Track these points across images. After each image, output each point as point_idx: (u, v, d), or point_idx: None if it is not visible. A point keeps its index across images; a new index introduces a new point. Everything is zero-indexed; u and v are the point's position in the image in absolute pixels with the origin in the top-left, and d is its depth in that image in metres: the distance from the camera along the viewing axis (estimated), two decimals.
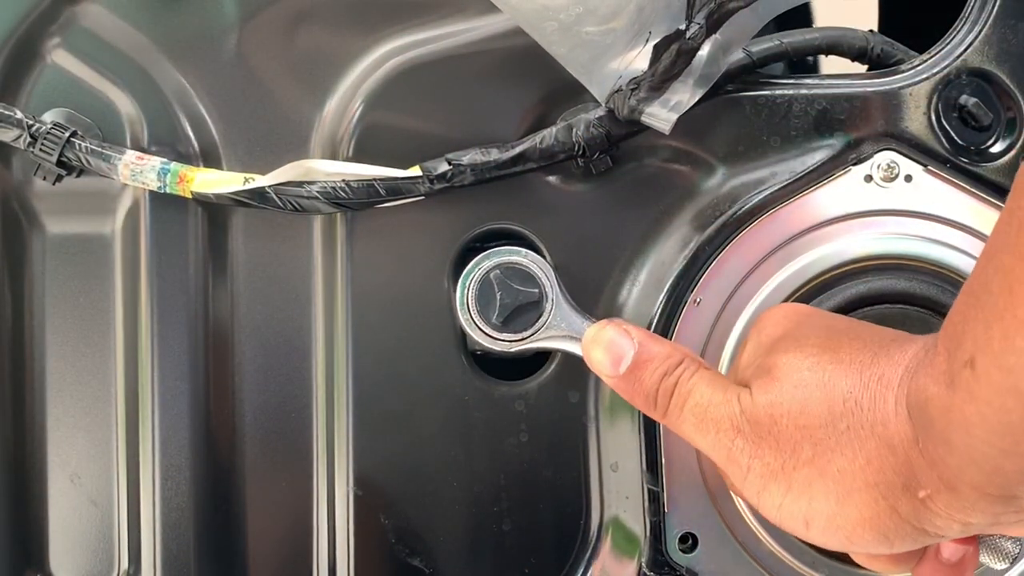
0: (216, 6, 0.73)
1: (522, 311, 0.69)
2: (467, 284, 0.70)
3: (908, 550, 0.56)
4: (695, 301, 0.72)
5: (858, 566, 0.72)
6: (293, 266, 0.74)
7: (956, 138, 0.72)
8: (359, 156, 0.72)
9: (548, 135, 0.70)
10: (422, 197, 0.70)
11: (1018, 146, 0.72)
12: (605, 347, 0.63)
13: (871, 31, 0.76)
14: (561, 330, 0.69)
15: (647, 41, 0.67)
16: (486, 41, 0.72)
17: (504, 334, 0.69)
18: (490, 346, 0.70)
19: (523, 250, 0.70)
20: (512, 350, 0.69)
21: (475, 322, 0.69)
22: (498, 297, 0.69)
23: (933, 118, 0.72)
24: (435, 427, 0.74)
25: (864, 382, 0.54)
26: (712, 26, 0.65)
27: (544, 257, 0.72)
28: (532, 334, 0.69)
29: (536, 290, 0.69)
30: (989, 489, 0.49)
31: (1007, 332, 0.46)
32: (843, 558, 0.72)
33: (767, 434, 0.57)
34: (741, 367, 0.62)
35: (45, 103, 0.73)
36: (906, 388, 0.53)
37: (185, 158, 0.73)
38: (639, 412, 0.73)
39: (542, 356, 0.74)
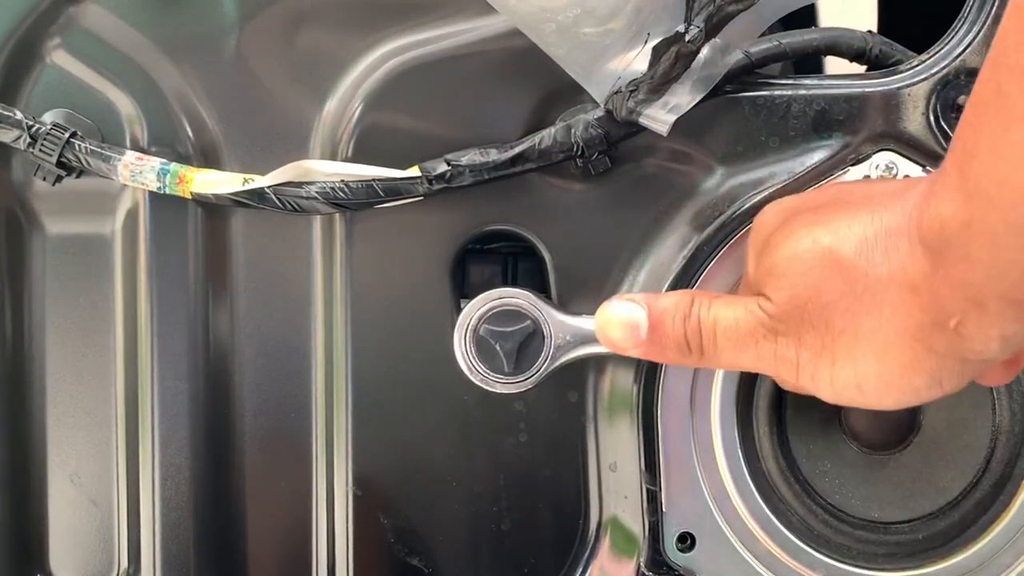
0: (216, 6, 0.73)
1: (527, 344, 0.69)
2: (464, 350, 0.69)
3: (960, 386, 0.56)
4: None
5: (856, 565, 0.72)
6: (292, 266, 0.74)
7: None
8: (358, 156, 0.72)
9: (547, 136, 0.70)
10: (421, 198, 0.70)
11: None
12: (619, 325, 0.64)
13: (870, 31, 0.75)
14: (570, 342, 0.69)
15: (646, 42, 0.67)
16: (486, 41, 0.72)
17: (522, 376, 0.69)
18: (518, 391, 0.70)
19: (496, 290, 0.70)
20: (539, 383, 0.70)
21: (492, 379, 0.69)
22: (498, 348, 0.69)
23: (932, 118, 0.72)
24: (434, 427, 0.75)
25: (870, 240, 0.55)
26: (711, 30, 0.65)
27: (543, 257, 0.72)
28: (547, 361, 0.69)
29: (528, 320, 0.69)
30: (1017, 294, 0.49)
31: None
32: (842, 557, 0.72)
33: (800, 323, 0.57)
34: (750, 280, 0.63)
35: (45, 103, 0.73)
36: (917, 225, 0.53)
37: (185, 158, 0.73)
38: (638, 412, 0.73)
39: None
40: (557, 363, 0.69)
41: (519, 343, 0.69)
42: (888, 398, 0.56)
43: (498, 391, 0.70)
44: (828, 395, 0.58)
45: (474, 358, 0.69)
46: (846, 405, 0.58)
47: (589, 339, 0.69)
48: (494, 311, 0.69)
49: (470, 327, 0.69)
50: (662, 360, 0.65)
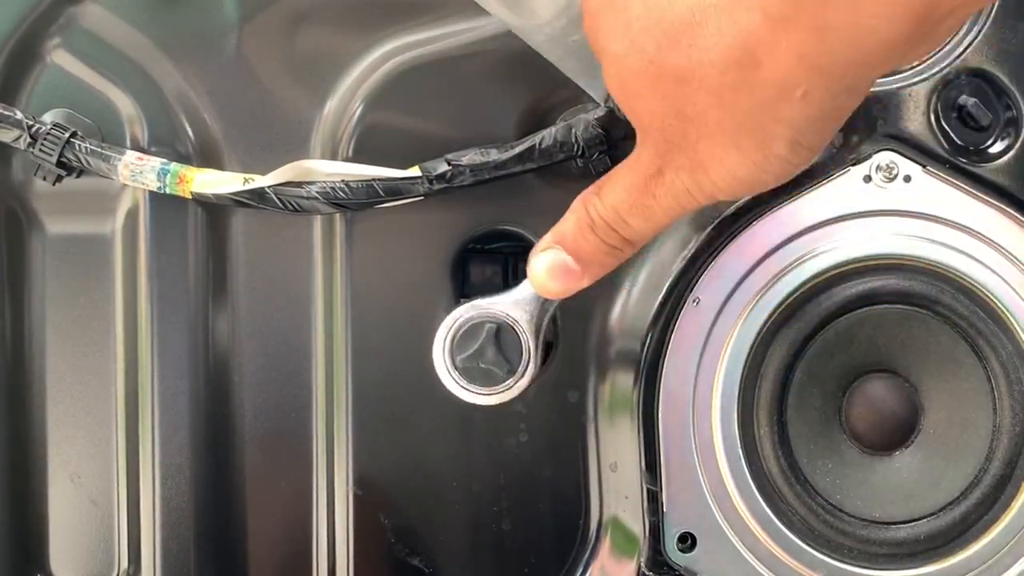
0: (216, 6, 0.73)
1: (502, 342, 0.68)
2: (461, 389, 0.68)
3: (832, 136, 0.53)
4: (694, 301, 0.72)
5: (857, 564, 0.72)
6: (293, 266, 0.74)
7: (955, 138, 0.72)
8: (359, 156, 0.72)
9: (547, 135, 0.70)
10: (421, 197, 0.70)
11: (1017, 146, 0.72)
12: (550, 275, 0.63)
13: None
14: (535, 312, 0.68)
15: None
16: (486, 41, 0.72)
17: (522, 367, 0.68)
18: (533, 379, 0.69)
19: (440, 326, 0.68)
20: (541, 363, 0.69)
21: (507, 389, 0.68)
22: (483, 366, 0.68)
23: (932, 118, 0.72)
24: (435, 427, 0.75)
25: (698, 19, 0.50)
26: None
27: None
28: (532, 339, 0.68)
29: (487, 324, 0.68)
30: (866, 57, 0.47)
31: None
32: (843, 557, 0.72)
33: (668, 150, 0.55)
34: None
35: (45, 103, 0.73)
36: None
37: (185, 158, 0.73)
38: (638, 412, 0.73)
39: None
40: (541, 336, 0.68)
41: (496, 348, 0.68)
42: (764, 174, 0.53)
43: (516, 395, 0.69)
44: (718, 198, 0.56)
45: (473, 388, 0.68)
46: (745, 196, 0.56)
47: (535, 296, 0.67)
48: (456, 336, 0.68)
49: (449, 368, 0.68)
50: (608, 270, 0.62)
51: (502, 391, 0.68)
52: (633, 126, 0.57)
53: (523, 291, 0.68)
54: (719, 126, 0.52)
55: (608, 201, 0.60)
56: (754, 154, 0.53)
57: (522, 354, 0.68)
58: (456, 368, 0.68)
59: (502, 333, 0.68)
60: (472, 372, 0.68)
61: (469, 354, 0.68)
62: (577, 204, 0.62)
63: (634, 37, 0.52)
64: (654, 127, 0.55)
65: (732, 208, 0.72)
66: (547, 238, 0.63)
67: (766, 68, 0.49)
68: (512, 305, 0.68)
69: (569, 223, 0.62)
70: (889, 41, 0.47)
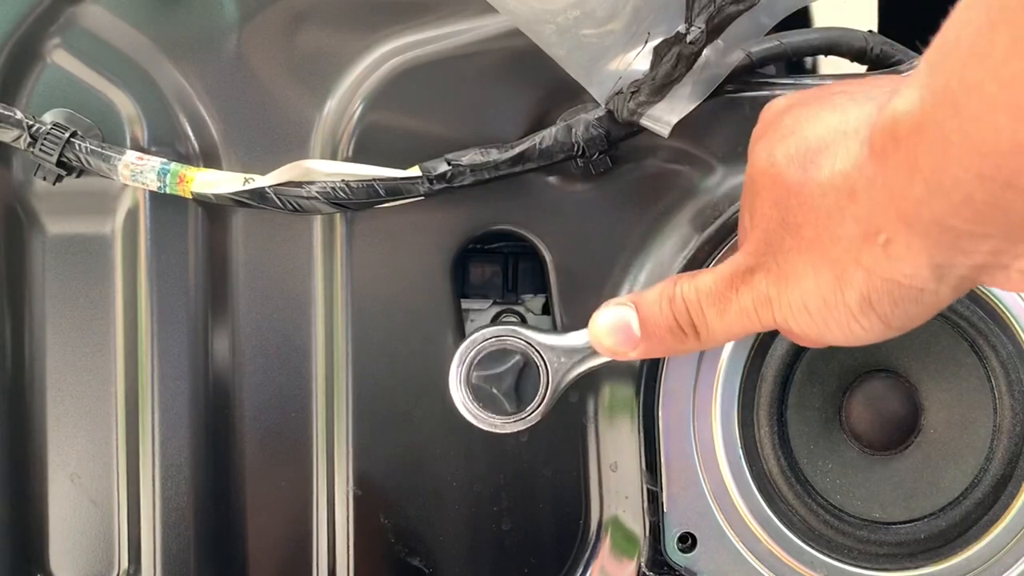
0: (216, 6, 0.73)
1: (524, 379, 0.68)
2: (463, 399, 0.68)
3: (904, 320, 0.51)
4: None
5: (858, 565, 0.72)
6: (293, 266, 0.74)
7: None
8: (359, 156, 0.72)
9: (547, 135, 0.70)
10: (422, 197, 0.70)
11: None
12: (612, 330, 0.62)
13: (870, 31, 0.75)
14: (565, 363, 0.67)
15: (646, 42, 0.67)
16: (486, 41, 0.73)
17: (527, 412, 0.68)
18: (526, 427, 0.68)
19: (479, 332, 0.68)
20: (547, 412, 0.68)
21: (497, 422, 0.68)
22: (495, 391, 0.68)
23: None
24: (435, 427, 0.74)
25: (820, 140, 0.51)
26: (712, 31, 0.65)
27: (544, 257, 0.72)
28: (547, 390, 0.68)
29: (517, 355, 0.68)
30: (952, 220, 0.44)
31: (1018, 34, 0.38)
32: (843, 557, 0.72)
33: (766, 252, 0.54)
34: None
35: (45, 103, 0.73)
36: (870, 123, 0.47)
37: (185, 158, 0.73)
38: (639, 412, 0.73)
39: None
40: (560, 388, 0.68)
41: (515, 380, 0.68)
42: (825, 325, 0.52)
43: (507, 431, 0.68)
44: (788, 326, 0.55)
45: (474, 406, 0.68)
46: (805, 341, 0.55)
47: (585, 354, 0.67)
48: (483, 354, 0.68)
49: (463, 377, 0.68)
50: (664, 353, 0.62)
51: (499, 423, 0.68)
52: (746, 223, 0.58)
53: (570, 339, 0.67)
54: (810, 244, 0.51)
55: (697, 283, 0.59)
56: (826, 290, 0.51)
57: (535, 399, 0.68)
58: (469, 382, 0.68)
59: (527, 369, 0.68)
60: (481, 392, 0.68)
61: (487, 375, 0.68)
62: (668, 279, 0.61)
63: (777, 146, 0.53)
64: (760, 227, 0.55)
65: (732, 209, 0.72)
66: (625, 297, 0.63)
67: (860, 203, 0.48)
68: (551, 348, 0.67)
69: (653, 291, 0.61)
70: (972, 200, 0.43)
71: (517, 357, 0.68)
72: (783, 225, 0.53)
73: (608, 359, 0.66)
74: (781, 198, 0.53)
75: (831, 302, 0.52)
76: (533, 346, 0.68)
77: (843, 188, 0.49)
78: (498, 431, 0.68)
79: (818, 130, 0.52)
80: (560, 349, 0.68)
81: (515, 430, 0.68)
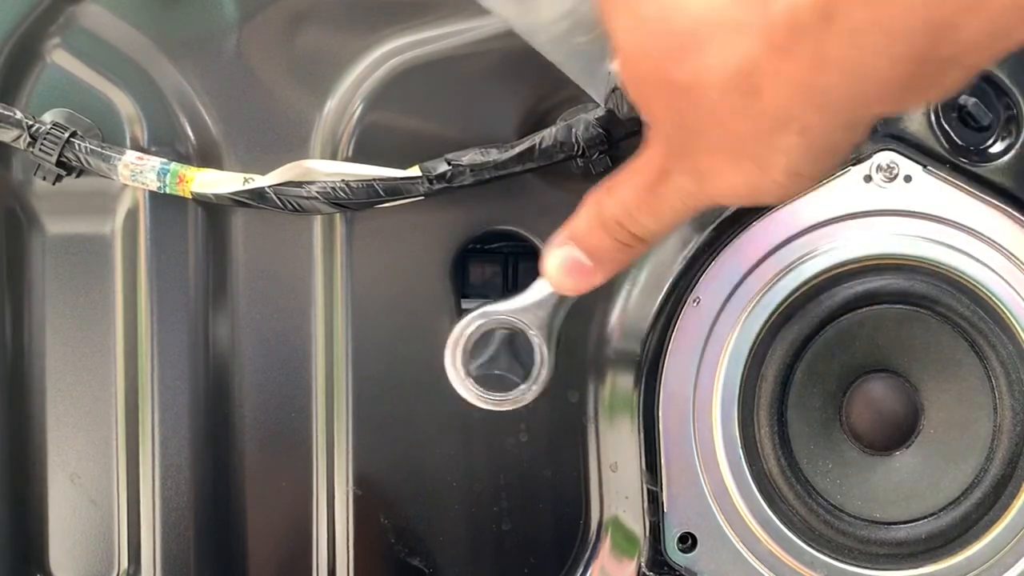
0: (216, 6, 0.73)
1: (515, 348, 0.68)
2: (479, 396, 0.68)
3: (832, 169, 0.52)
4: (694, 301, 0.72)
5: (858, 565, 0.72)
6: (293, 266, 0.74)
7: (955, 138, 0.72)
8: (359, 156, 0.72)
9: (548, 135, 0.70)
10: (421, 197, 0.70)
11: (1018, 146, 0.72)
12: (565, 273, 0.62)
13: None
14: (543, 316, 0.67)
15: None
16: (486, 41, 0.72)
17: (535, 371, 0.67)
18: (547, 381, 0.68)
19: (455, 329, 0.68)
20: (553, 363, 0.68)
21: (523, 394, 0.68)
22: (498, 372, 0.67)
23: (932, 118, 0.72)
24: (435, 427, 0.74)
25: (702, 36, 0.49)
26: None
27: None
28: (544, 343, 0.67)
29: (500, 329, 0.67)
30: (869, 98, 0.46)
31: None
32: (843, 557, 0.72)
33: (677, 157, 0.55)
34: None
35: (45, 103, 0.73)
36: (762, 15, 0.46)
37: (185, 158, 0.73)
38: (639, 412, 0.73)
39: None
40: (554, 339, 0.68)
41: (510, 353, 0.68)
42: (762, 196, 0.53)
43: (532, 398, 0.68)
44: (728, 203, 0.56)
45: (490, 395, 0.68)
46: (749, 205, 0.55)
47: (555, 299, 0.66)
48: (468, 347, 0.67)
49: (463, 377, 0.68)
50: (625, 265, 0.62)
51: (518, 396, 0.68)
52: (641, 120, 0.57)
53: (532, 295, 0.67)
54: (719, 144, 0.52)
55: (618, 198, 0.59)
56: (753, 176, 0.52)
57: (535, 359, 0.67)
58: (471, 376, 0.68)
59: (515, 339, 0.68)
60: (486, 379, 0.68)
61: (482, 361, 0.68)
62: (588, 202, 0.61)
63: (644, 38, 0.52)
64: (658, 129, 0.55)
65: (732, 209, 0.72)
66: (560, 236, 0.62)
67: (766, 98, 0.48)
68: (522, 310, 0.67)
69: (581, 220, 0.61)
70: (888, 80, 0.45)
71: (500, 332, 0.68)
72: (682, 129, 0.53)
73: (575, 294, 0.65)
74: (671, 100, 0.52)
75: (760, 185, 0.53)
76: (506, 316, 0.67)
77: (744, 88, 0.48)
78: (522, 403, 0.68)
79: (684, 21, 0.49)
80: (531, 306, 0.67)
81: (535, 394, 0.68)
